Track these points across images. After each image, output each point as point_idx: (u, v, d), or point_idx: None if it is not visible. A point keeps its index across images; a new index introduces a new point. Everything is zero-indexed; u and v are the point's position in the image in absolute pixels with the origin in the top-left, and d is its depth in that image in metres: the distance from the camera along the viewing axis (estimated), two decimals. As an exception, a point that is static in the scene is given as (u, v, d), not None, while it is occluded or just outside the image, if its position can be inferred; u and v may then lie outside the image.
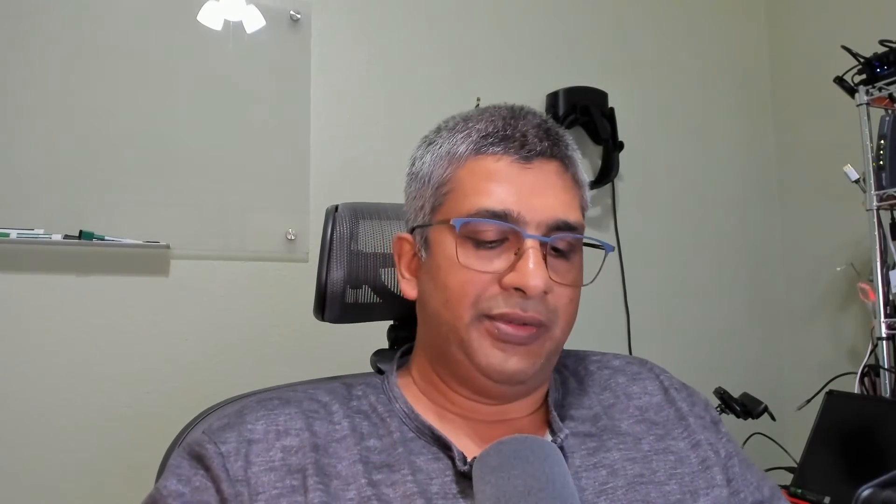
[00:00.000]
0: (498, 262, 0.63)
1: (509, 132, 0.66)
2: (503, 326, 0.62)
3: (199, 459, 0.61)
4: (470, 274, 0.63)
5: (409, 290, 0.71)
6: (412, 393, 0.70)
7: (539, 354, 0.64)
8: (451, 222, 0.64)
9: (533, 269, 0.61)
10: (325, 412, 0.65)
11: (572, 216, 0.65)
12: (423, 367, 0.71)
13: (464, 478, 0.60)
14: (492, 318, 0.63)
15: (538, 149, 0.65)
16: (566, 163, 0.67)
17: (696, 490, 0.65)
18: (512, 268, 0.62)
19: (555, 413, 0.68)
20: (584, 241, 0.67)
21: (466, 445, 0.64)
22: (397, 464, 0.61)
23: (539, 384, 0.70)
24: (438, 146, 0.69)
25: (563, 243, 0.65)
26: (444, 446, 0.63)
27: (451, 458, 0.62)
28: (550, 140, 0.67)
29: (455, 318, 0.64)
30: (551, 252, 0.64)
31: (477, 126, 0.67)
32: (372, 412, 0.67)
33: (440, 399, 0.69)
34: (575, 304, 0.67)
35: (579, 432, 0.67)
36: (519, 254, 0.62)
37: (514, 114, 0.68)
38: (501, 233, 0.63)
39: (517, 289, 0.61)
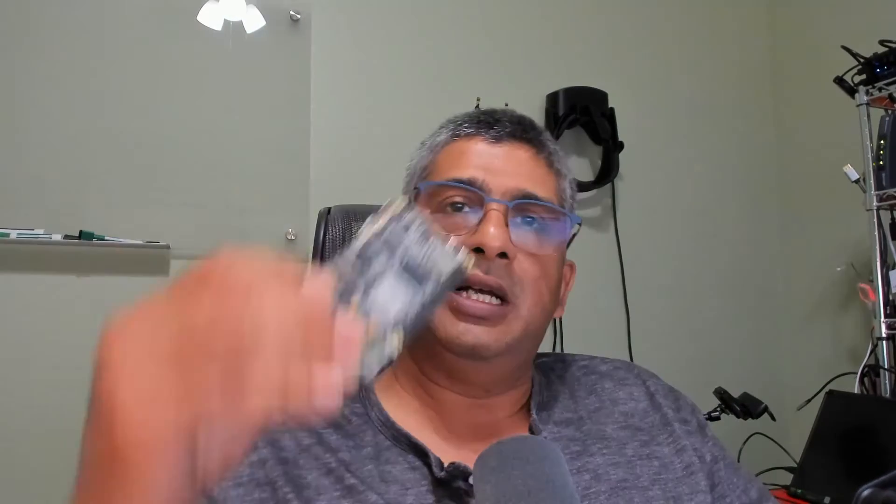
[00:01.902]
0: (464, 227, 0.64)
1: (483, 118, 0.70)
2: (463, 301, 0.62)
3: None
4: None
5: None
6: (394, 394, 0.69)
7: (504, 332, 0.63)
8: (416, 185, 0.69)
9: (491, 230, 0.62)
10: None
11: (540, 191, 0.66)
12: (404, 359, 0.71)
13: (440, 485, 0.59)
14: (457, 289, 0.62)
15: (508, 129, 0.68)
16: (538, 147, 0.69)
17: (679, 496, 0.64)
18: (474, 230, 0.63)
19: (535, 415, 0.67)
20: (549, 206, 0.66)
21: (445, 450, 0.63)
22: (366, 482, 0.60)
23: (512, 368, 0.68)
24: (425, 144, 0.73)
25: (532, 214, 0.66)
26: (422, 453, 0.62)
27: (428, 466, 0.61)
28: (522, 126, 0.69)
29: None
30: (519, 222, 0.65)
31: (458, 120, 0.71)
32: (346, 422, 0.66)
33: (421, 394, 0.68)
34: (546, 282, 0.66)
35: (562, 436, 0.67)
36: (482, 217, 0.63)
37: (495, 110, 0.72)
38: (466, 198, 0.65)
39: (478, 250, 0.62)
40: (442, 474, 0.59)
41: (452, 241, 0.42)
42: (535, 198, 0.65)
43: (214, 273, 0.34)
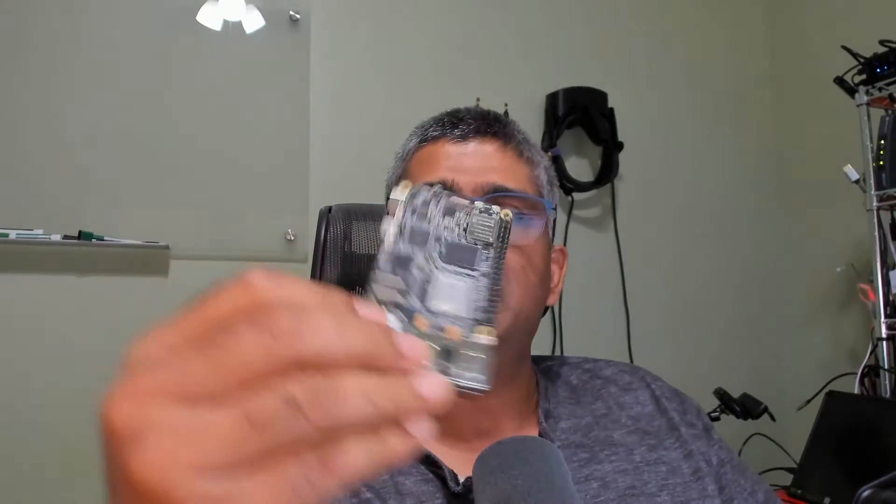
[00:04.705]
0: None
1: (447, 119, 0.70)
2: None
3: None
4: None
5: None
6: None
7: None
8: (387, 196, 0.70)
9: None
10: None
11: (511, 183, 0.66)
12: None
13: (456, 498, 0.59)
14: None
15: (472, 126, 0.68)
16: (504, 139, 0.69)
17: (688, 500, 0.64)
18: None
19: (545, 423, 0.67)
20: (521, 196, 0.66)
21: (453, 458, 0.62)
22: (382, 496, 0.59)
23: (507, 361, 0.66)
24: (398, 153, 0.74)
25: (506, 206, 0.65)
26: (434, 464, 0.61)
27: (442, 478, 0.60)
28: (487, 121, 0.69)
29: None
30: None
31: (425, 125, 0.72)
32: None
33: None
34: (532, 271, 0.65)
35: (571, 443, 0.67)
36: None
37: (458, 109, 0.72)
38: None
39: None
40: (458, 489, 0.59)
41: (477, 203, 0.36)
42: (506, 190, 0.65)
43: (251, 299, 0.24)
